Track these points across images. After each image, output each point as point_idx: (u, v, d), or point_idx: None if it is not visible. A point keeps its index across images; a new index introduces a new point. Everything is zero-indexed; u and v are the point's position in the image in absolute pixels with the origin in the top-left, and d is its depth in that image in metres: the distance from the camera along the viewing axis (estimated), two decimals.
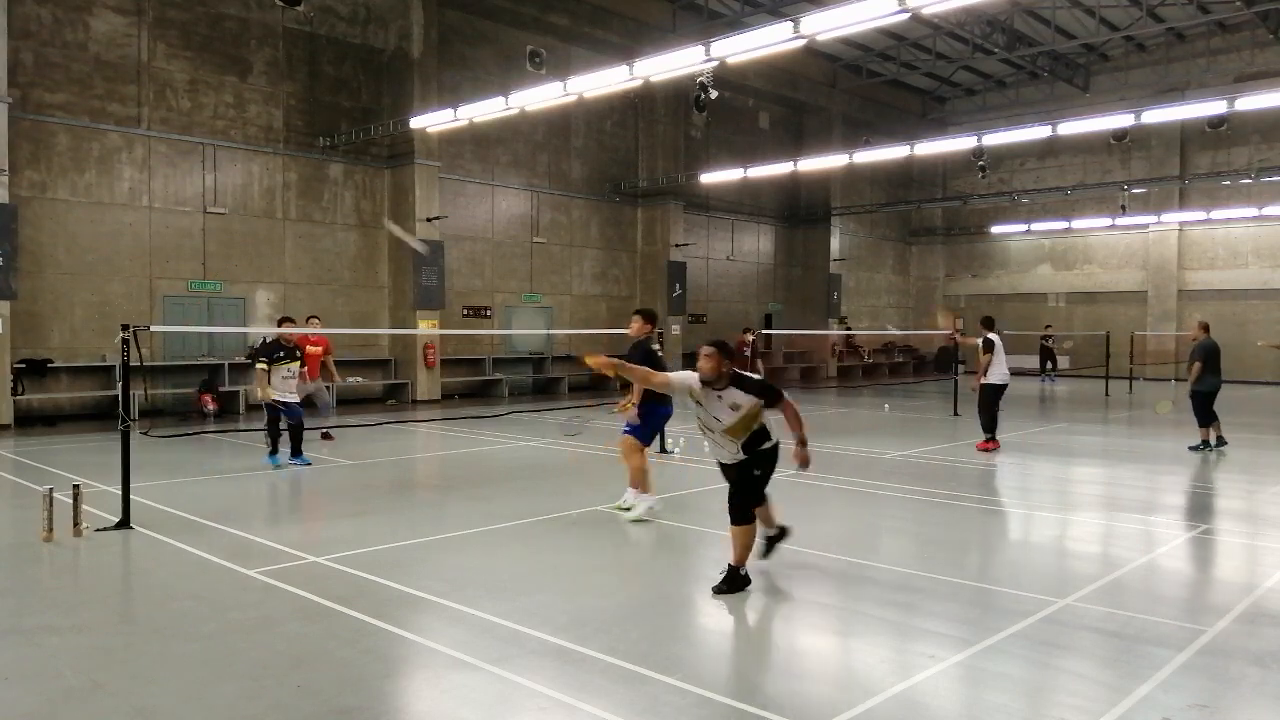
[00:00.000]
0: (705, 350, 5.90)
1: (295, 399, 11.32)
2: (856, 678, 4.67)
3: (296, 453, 11.17)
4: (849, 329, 31.39)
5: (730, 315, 28.17)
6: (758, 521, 6.14)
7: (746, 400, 5.84)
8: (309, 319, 13.06)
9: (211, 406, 16.75)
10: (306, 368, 12.14)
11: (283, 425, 11.17)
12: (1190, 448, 13.02)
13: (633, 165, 25.36)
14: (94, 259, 16.26)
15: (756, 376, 6.03)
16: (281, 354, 11.12)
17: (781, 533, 6.62)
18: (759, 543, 6.29)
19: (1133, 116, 18.86)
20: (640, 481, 8.25)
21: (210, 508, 8.54)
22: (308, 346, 12.32)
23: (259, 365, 11.08)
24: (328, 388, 13.67)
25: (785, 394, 5.96)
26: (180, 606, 5.60)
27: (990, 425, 12.80)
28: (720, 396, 5.86)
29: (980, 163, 22.97)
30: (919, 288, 36.57)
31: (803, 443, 5.90)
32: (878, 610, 5.67)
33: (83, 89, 16.03)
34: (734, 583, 5.95)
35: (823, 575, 6.72)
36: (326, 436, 13.28)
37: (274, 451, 11.12)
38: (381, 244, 20.29)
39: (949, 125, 32.34)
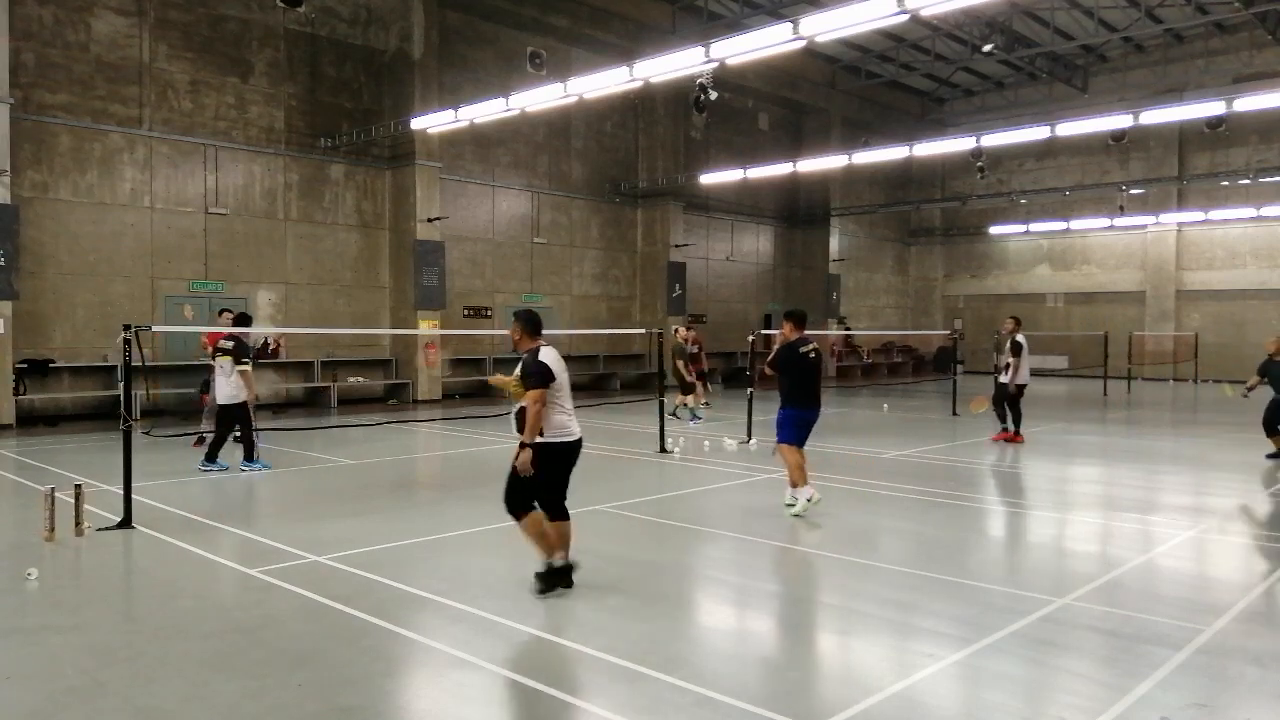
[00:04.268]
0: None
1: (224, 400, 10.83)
2: (856, 676, 4.69)
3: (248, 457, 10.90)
4: (849, 329, 31.43)
5: (730, 315, 28.20)
6: (543, 538, 5.83)
7: (517, 370, 5.84)
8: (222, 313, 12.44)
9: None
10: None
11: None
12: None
13: (633, 166, 25.39)
14: (96, 259, 16.28)
15: (540, 357, 5.78)
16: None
17: (562, 572, 5.88)
18: (536, 577, 5.88)
19: (1131, 117, 18.87)
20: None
21: (211, 507, 8.57)
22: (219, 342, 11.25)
23: (246, 366, 10.72)
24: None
25: (536, 391, 5.65)
26: (182, 606, 5.63)
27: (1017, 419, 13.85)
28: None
29: (979, 163, 23.00)
30: (918, 288, 36.60)
31: (522, 445, 5.67)
32: (877, 609, 5.69)
33: (84, 90, 16.05)
34: (548, 579, 5.78)
35: (822, 574, 6.74)
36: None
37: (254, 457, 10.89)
38: (382, 244, 20.32)
39: (948, 126, 32.37)
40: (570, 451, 5.88)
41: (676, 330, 18.40)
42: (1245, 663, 4.76)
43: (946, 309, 36.07)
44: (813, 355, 8.56)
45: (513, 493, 5.77)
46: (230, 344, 10.70)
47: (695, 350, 19.18)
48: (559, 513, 5.86)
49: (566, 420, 5.84)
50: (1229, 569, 6.98)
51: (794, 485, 8.42)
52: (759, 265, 30.01)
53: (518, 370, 5.85)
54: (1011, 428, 13.81)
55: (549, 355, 5.83)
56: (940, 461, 11.95)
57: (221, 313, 12.57)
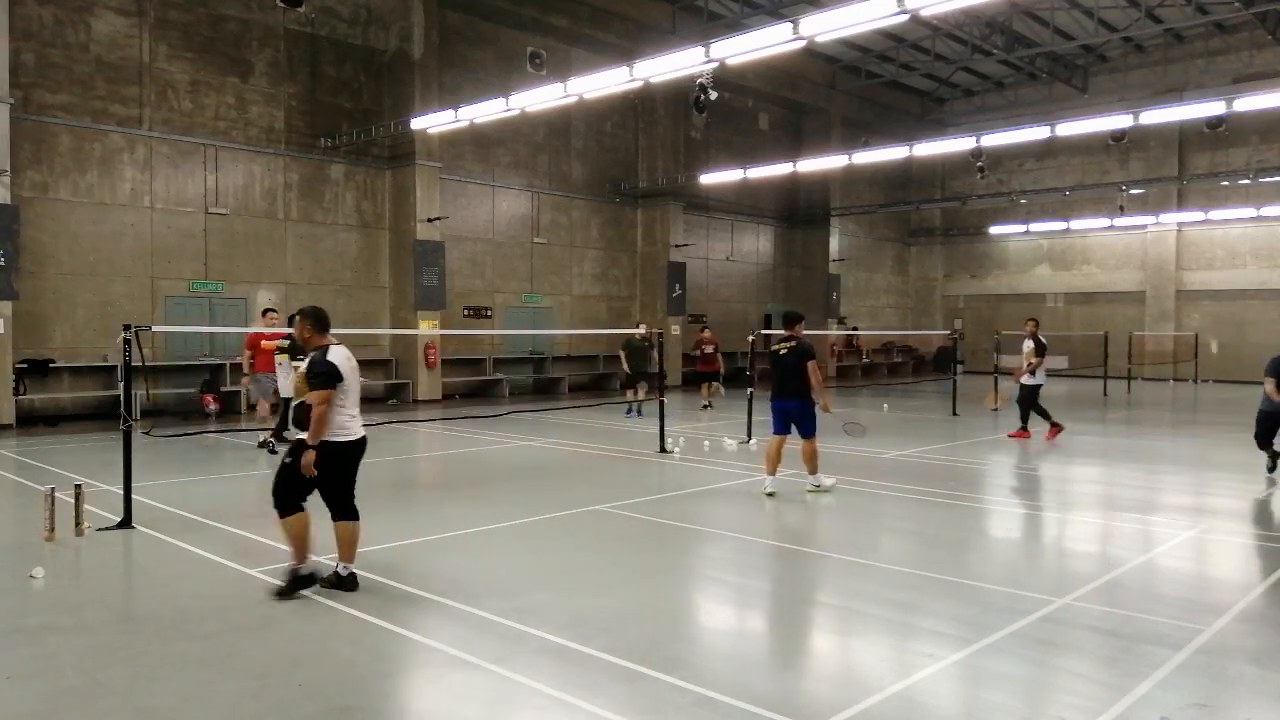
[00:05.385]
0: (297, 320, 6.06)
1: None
2: (856, 676, 4.69)
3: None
4: (854, 329, 31.44)
5: (730, 315, 28.20)
6: (299, 540, 5.78)
7: (303, 369, 5.79)
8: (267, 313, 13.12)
9: (213, 406, 16.78)
10: (256, 360, 12.52)
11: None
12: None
13: (633, 166, 25.39)
14: (96, 259, 16.28)
15: (328, 356, 5.70)
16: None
17: (307, 579, 5.77)
18: (284, 579, 5.84)
19: (1131, 117, 18.86)
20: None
21: (211, 507, 8.56)
22: (262, 342, 12.29)
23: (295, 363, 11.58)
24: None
25: (323, 391, 5.60)
26: (182, 606, 5.62)
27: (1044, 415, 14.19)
28: (300, 363, 5.92)
29: (979, 163, 22.98)
30: (918, 288, 36.60)
31: (305, 445, 5.64)
32: (877, 609, 5.69)
33: (84, 90, 16.05)
34: (293, 584, 5.71)
35: (822, 574, 6.74)
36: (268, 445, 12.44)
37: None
38: (382, 245, 20.33)
39: (948, 126, 32.36)
40: (350, 451, 5.84)
41: (639, 326, 19.01)
42: (1245, 663, 4.76)
43: (946, 309, 36.07)
44: (782, 352, 9.37)
45: (281, 490, 5.77)
46: (288, 342, 11.55)
47: (710, 351, 19.27)
48: (346, 513, 5.87)
49: (347, 420, 5.79)
50: (1229, 569, 6.98)
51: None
52: (759, 265, 30.01)
53: (302, 368, 5.85)
54: (1022, 425, 14.29)
55: (337, 355, 5.79)
56: (940, 461, 11.95)
57: (265, 313, 13.17)
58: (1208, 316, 29.44)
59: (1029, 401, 14.14)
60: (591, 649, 4.86)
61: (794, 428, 9.38)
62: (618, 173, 25.07)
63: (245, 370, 13.08)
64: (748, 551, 7.24)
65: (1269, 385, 10.26)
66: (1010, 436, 14.25)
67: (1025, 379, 14.14)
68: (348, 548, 5.91)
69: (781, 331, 9.70)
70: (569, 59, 22.81)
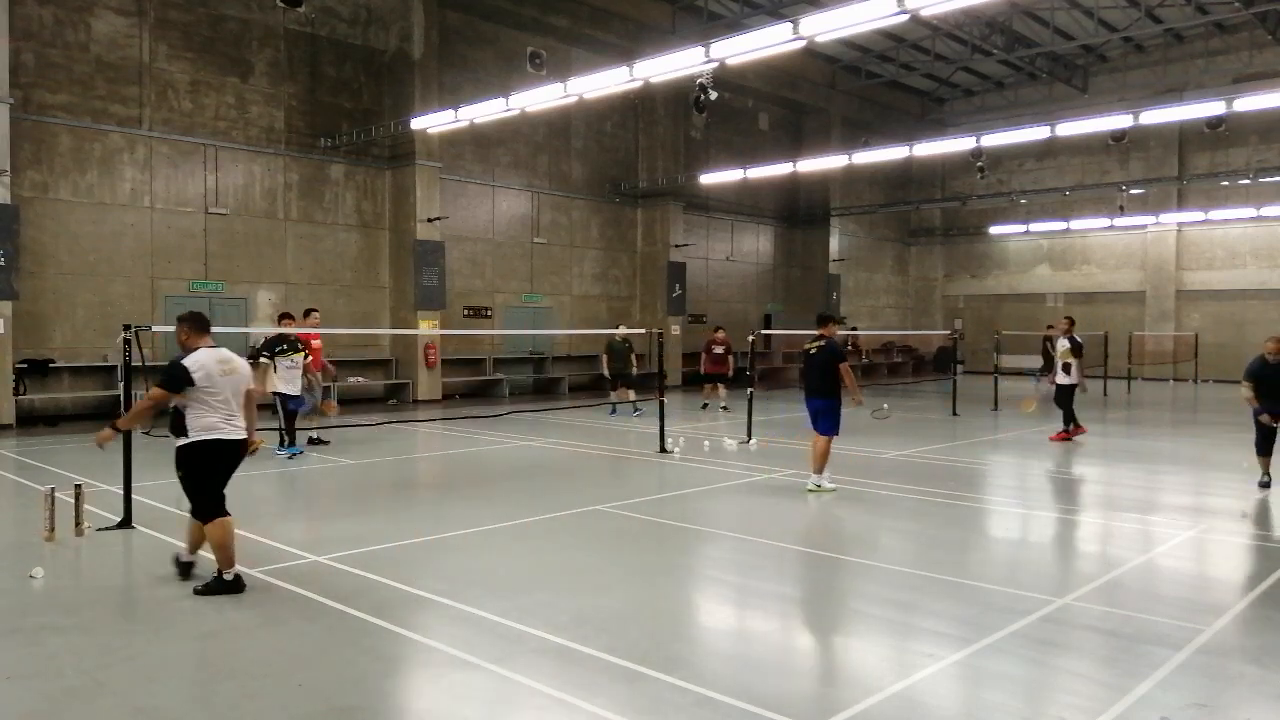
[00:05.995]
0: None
1: (296, 391, 11.93)
2: (856, 676, 4.69)
3: (290, 441, 11.87)
4: (854, 329, 31.43)
5: (730, 315, 28.17)
6: (225, 549, 5.81)
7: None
8: (309, 313, 13.33)
9: None
10: (312, 359, 12.58)
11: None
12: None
13: (633, 166, 25.38)
14: (96, 259, 16.28)
15: (184, 359, 5.75)
16: (284, 346, 11.77)
17: (233, 584, 5.80)
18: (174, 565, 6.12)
19: (1131, 117, 18.86)
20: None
21: None
22: (314, 343, 12.70)
23: (262, 360, 11.62)
24: (327, 387, 13.97)
25: (156, 390, 5.71)
26: (181, 606, 5.62)
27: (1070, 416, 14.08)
28: None
29: (979, 163, 22.97)
30: (918, 288, 36.60)
31: (114, 428, 6.03)
32: (877, 609, 5.69)
33: (84, 90, 16.05)
34: (217, 586, 5.78)
35: (822, 574, 6.74)
36: (318, 441, 13.05)
37: (291, 443, 11.81)
38: (382, 244, 20.32)
39: (948, 126, 32.36)
40: (216, 450, 5.83)
41: (618, 327, 19.27)
42: (1245, 662, 4.76)
43: (946, 309, 36.06)
44: (812, 351, 9.60)
45: (195, 498, 5.86)
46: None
47: (720, 352, 19.37)
48: (205, 515, 5.83)
49: (217, 422, 5.80)
50: (1229, 569, 6.98)
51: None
52: (759, 265, 30.01)
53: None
54: (1063, 426, 14.04)
55: (198, 359, 5.79)
56: (940, 461, 11.95)
57: (308, 313, 13.39)
58: (1208, 316, 29.43)
59: (1066, 400, 14.04)
60: (591, 649, 4.86)
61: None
62: (618, 173, 25.06)
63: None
64: (748, 551, 7.24)
65: (1246, 390, 10.07)
66: (1051, 440, 13.91)
67: (1060, 378, 14.09)
68: (220, 549, 5.80)
69: (814, 331, 9.89)
70: (569, 59, 22.81)
